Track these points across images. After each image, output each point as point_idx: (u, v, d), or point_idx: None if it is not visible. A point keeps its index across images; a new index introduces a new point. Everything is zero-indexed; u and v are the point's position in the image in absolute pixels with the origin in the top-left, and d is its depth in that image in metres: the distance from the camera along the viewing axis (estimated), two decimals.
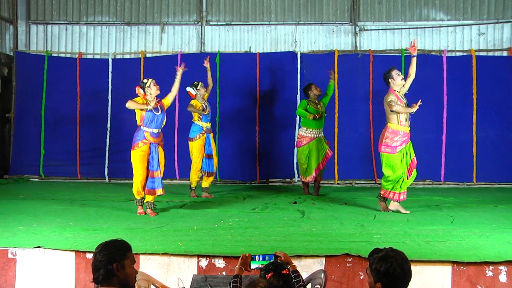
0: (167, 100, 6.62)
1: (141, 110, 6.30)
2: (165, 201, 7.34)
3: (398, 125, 6.44)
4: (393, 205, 6.63)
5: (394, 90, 6.47)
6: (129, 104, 6.28)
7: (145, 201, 6.44)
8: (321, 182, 8.31)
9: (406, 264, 2.63)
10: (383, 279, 2.60)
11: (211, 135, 7.87)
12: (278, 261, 3.28)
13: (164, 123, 6.51)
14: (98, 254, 2.74)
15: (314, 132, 7.92)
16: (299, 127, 8.30)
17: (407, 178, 6.55)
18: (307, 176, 7.99)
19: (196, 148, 7.75)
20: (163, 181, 6.56)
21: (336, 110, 9.61)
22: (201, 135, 7.74)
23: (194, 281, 3.71)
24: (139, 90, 6.40)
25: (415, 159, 6.58)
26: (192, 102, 7.77)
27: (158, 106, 6.42)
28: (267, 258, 3.31)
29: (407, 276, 2.63)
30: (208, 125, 7.80)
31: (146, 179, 6.39)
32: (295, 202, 7.46)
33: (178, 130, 9.67)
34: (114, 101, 9.89)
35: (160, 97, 6.61)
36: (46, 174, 9.99)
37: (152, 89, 6.38)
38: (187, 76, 9.66)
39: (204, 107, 7.77)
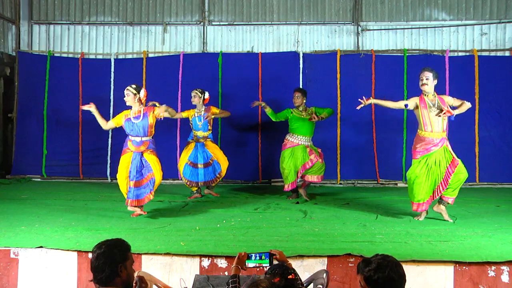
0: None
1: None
2: (167, 201, 7.35)
3: (421, 130, 6.16)
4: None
5: (422, 93, 6.15)
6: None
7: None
8: (313, 182, 7.92)
9: (400, 268, 2.66)
10: None
11: (208, 144, 7.70)
12: (274, 259, 3.29)
13: (148, 129, 6.31)
14: (101, 256, 2.74)
15: (298, 139, 7.65)
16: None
17: (442, 189, 5.98)
18: (287, 183, 7.67)
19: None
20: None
21: (338, 110, 9.59)
22: (190, 141, 7.75)
23: (196, 281, 3.71)
24: None
25: (451, 168, 6.00)
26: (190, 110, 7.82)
27: (141, 114, 6.28)
28: (263, 256, 3.31)
29: (404, 279, 2.65)
30: (199, 133, 7.69)
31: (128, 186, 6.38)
32: (297, 202, 7.47)
33: (180, 131, 9.66)
34: (116, 101, 9.86)
35: (155, 99, 6.64)
36: (48, 174, 9.98)
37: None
38: (190, 76, 9.74)
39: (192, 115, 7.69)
